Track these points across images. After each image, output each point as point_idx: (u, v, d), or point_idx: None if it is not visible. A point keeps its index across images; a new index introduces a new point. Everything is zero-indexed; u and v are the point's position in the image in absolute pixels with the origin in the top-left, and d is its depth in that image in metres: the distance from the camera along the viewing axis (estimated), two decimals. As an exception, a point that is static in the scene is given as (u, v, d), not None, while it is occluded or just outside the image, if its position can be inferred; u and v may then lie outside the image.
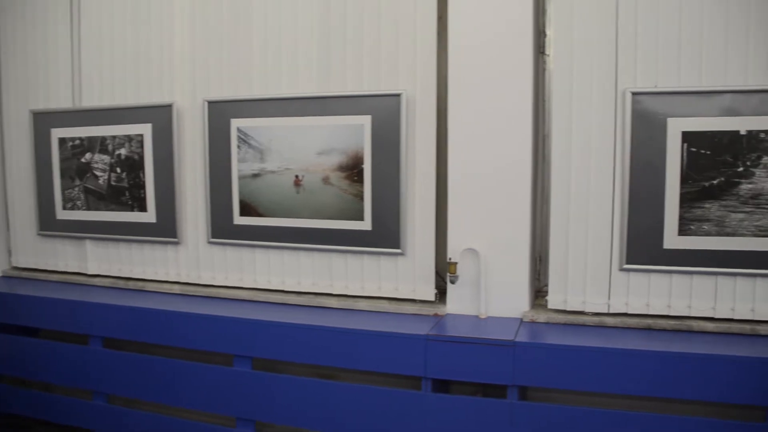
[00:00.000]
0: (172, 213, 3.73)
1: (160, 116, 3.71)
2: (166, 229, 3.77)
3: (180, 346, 3.47)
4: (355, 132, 3.29)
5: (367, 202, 3.30)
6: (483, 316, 3.15)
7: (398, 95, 3.21)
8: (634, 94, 2.94)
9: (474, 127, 3.10)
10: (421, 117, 3.21)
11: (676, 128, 2.91)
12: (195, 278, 3.78)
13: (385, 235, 3.28)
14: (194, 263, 3.78)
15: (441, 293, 3.30)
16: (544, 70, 3.24)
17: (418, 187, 3.24)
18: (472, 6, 3.09)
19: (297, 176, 3.41)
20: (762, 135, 2.84)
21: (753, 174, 2.86)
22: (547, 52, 3.23)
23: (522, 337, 2.91)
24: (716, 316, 2.98)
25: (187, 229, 3.77)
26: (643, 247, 2.99)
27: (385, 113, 3.23)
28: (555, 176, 3.05)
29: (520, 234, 3.10)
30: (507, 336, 2.91)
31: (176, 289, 3.82)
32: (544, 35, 3.16)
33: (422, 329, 3.03)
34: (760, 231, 2.88)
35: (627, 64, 2.96)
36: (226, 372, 3.36)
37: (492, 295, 3.15)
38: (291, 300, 3.51)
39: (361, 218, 3.32)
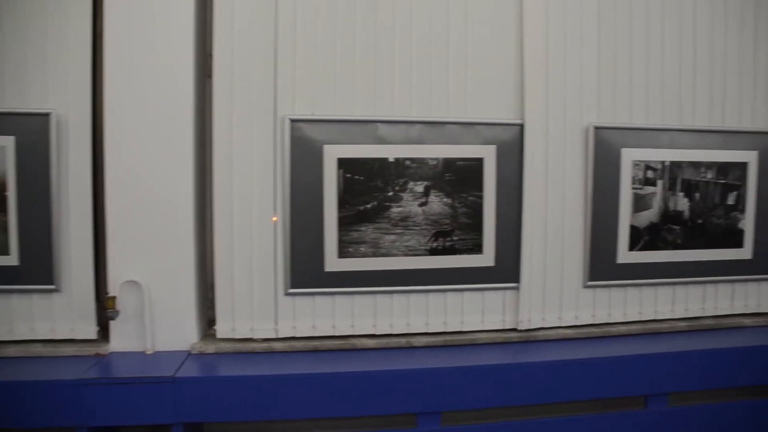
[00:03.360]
0: None
1: None
2: None
3: None
4: (-4, 155, 2.90)
5: (13, 234, 2.93)
6: (149, 352, 2.96)
7: (47, 115, 2.90)
8: (292, 121, 2.97)
9: (133, 151, 2.92)
10: (75, 139, 2.95)
11: (332, 155, 3.00)
12: None
13: (36, 269, 2.95)
14: None
15: (107, 330, 3.03)
16: (212, 93, 3.14)
17: (72, 216, 2.95)
18: (131, 24, 2.91)
19: (-76, 206, 2.91)
20: (408, 162, 3.04)
21: (401, 198, 3.05)
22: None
23: (185, 372, 2.77)
24: (377, 333, 3.13)
25: None
26: (306, 271, 3.04)
27: (32, 134, 2.90)
28: (217, 203, 2.98)
29: (184, 264, 2.98)
30: (167, 372, 2.74)
31: None
32: (212, 58, 3.06)
33: (77, 373, 2.74)
34: (410, 251, 3.08)
35: (286, 92, 3.00)
36: None
37: (159, 328, 2.98)
38: None
39: (6, 252, 2.93)
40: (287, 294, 3.02)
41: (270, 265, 3.01)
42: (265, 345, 3.03)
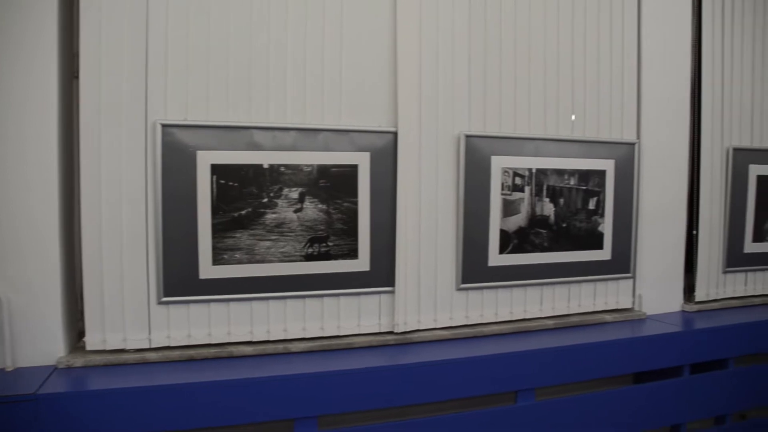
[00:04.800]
0: None
1: None
2: None
3: None
4: None
5: None
6: (10, 369, 2.81)
7: None
8: (164, 126, 2.93)
9: (-9, 157, 2.77)
10: (-77, 144, 2.75)
11: (205, 161, 2.98)
12: None
13: None
14: None
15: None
16: (78, 95, 3.04)
17: None
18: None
19: None
20: (282, 168, 3.07)
21: (276, 204, 3.07)
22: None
23: (49, 388, 2.66)
24: (254, 340, 3.12)
25: None
26: (180, 278, 2.99)
27: None
28: (85, 209, 2.89)
29: (49, 274, 2.86)
30: (27, 389, 2.62)
31: None
32: (78, 58, 2.97)
33: None
34: (285, 257, 3.10)
35: (157, 96, 2.95)
36: None
37: (21, 342, 2.84)
38: None
39: None
40: (160, 303, 2.97)
41: (142, 273, 2.94)
42: (138, 356, 2.96)
